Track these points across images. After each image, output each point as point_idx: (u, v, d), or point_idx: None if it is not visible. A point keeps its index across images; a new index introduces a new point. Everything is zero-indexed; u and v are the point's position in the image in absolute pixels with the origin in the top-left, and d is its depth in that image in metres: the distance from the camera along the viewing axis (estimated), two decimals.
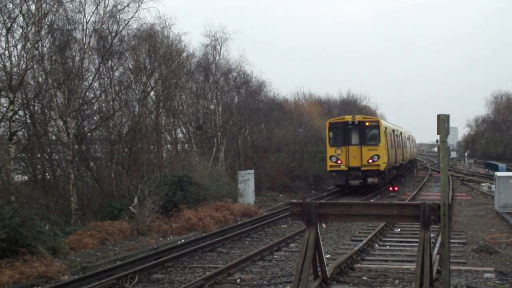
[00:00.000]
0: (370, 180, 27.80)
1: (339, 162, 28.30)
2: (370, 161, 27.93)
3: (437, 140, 9.67)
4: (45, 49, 20.43)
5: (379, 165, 28.09)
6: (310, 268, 9.21)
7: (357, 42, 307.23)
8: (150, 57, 25.54)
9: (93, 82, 23.28)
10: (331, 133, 29.01)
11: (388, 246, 14.94)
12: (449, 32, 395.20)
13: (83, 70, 21.44)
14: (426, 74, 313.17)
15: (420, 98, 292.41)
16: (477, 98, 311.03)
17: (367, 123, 28.68)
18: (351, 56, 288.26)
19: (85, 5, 21.49)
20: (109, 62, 23.69)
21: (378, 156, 28.04)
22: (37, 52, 19.54)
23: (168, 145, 29.06)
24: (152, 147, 24.45)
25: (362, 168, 27.91)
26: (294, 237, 16.32)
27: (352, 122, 28.52)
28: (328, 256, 13.26)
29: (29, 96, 20.05)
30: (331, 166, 28.75)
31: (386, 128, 30.29)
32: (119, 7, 22.28)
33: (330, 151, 28.72)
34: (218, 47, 31.97)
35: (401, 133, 37.95)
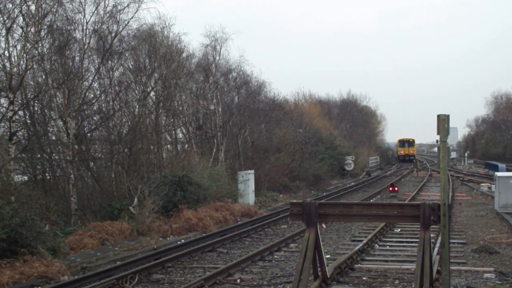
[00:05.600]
0: (412, 158, 74.19)
1: (402, 152, 76.99)
2: (412, 152, 75.99)
3: (437, 140, 9.65)
4: (45, 49, 20.41)
5: (414, 154, 76.94)
6: (310, 268, 9.20)
7: (357, 42, 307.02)
8: (150, 57, 25.48)
9: (93, 82, 23.28)
10: (399, 143, 78.83)
11: (388, 246, 14.94)
12: (449, 31, 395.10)
13: (83, 70, 21.43)
14: (427, 74, 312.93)
15: (420, 99, 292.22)
16: (478, 96, 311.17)
17: (410, 140, 76.92)
18: (351, 56, 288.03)
19: (85, 5, 21.51)
20: (109, 62, 23.63)
21: (414, 150, 77.17)
22: (37, 52, 19.51)
23: (168, 146, 29.01)
24: (152, 147, 24.39)
25: (409, 154, 75.66)
26: (294, 237, 16.32)
27: (406, 140, 77.08)
28: (328, 256, 13.26)
29: (29, 96, 20.04)
30: (399, 154, 78.39)
31: (414, 140, 78.10)
32: (119, 7, 22.29)
33: (399, 149, 78.56)
34: (218, 47, 31.96)
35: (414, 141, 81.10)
